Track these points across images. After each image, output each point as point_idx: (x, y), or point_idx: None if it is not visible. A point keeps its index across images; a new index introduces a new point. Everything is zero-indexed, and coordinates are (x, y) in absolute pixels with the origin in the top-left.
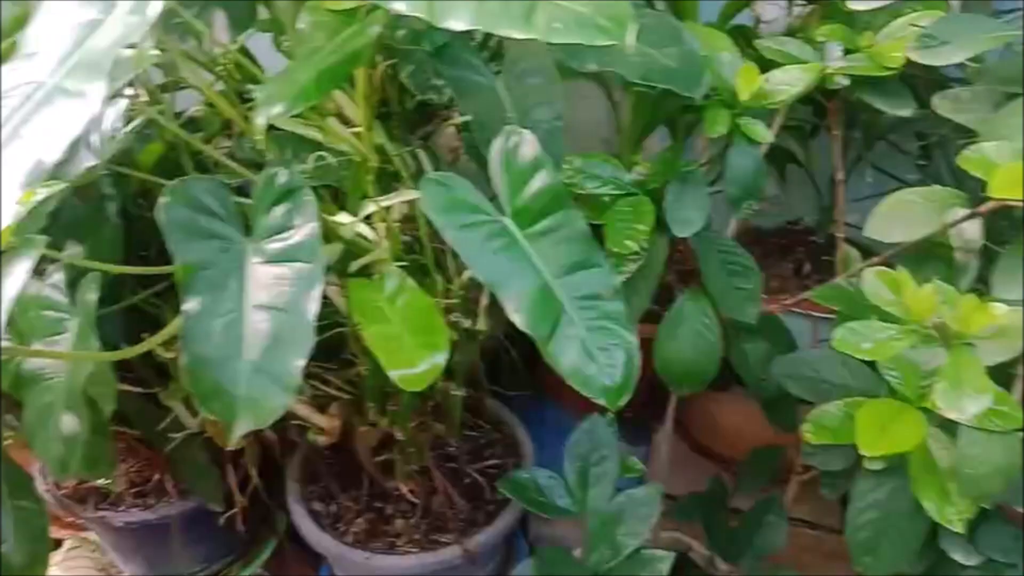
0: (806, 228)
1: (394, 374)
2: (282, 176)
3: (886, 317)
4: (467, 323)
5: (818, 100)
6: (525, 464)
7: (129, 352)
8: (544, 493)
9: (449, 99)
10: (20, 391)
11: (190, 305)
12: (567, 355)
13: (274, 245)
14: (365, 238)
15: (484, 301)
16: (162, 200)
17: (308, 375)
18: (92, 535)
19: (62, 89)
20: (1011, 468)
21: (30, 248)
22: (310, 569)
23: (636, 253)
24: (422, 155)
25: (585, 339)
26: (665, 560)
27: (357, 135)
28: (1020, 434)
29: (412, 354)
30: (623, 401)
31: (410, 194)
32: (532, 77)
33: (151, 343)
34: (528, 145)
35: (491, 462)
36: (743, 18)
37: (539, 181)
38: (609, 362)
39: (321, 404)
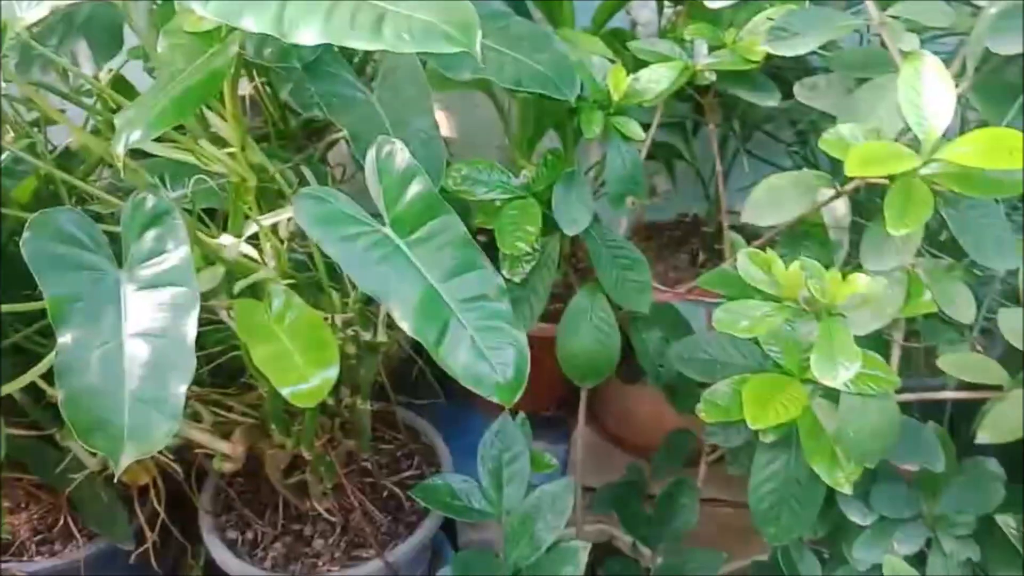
0: (698, 220)
1: (286, 391)
2: (150, 201)
3: (765, 297)
4: (367, 335)
5: (695, 96)
6: (444, 472)
7: (9, 386)
8: (459, 497)
9: None
10: None
11: (65, 339)
12: (458, 356)
13: (147, 271)
14: (251, 258)
15: (383, 312)
16: (25, 234)
17: (208, 401)
18: None
19: None
20: (889, 429)
21: None
22: None
23: (528, 254)
24: (307, 172)
25: (475, 339)
26: (582, 551)
27: (231, 155)
28: (894, 397)
29: (303, 371)
30: (517, 397)
31: (290, 212)
32: (407, 88)
33: (29, 376)
34: (400, 154)
35: (409, 473)
36: (620, 22)
37: (415, 188)
38: (500, 360)
39: (225, 431)
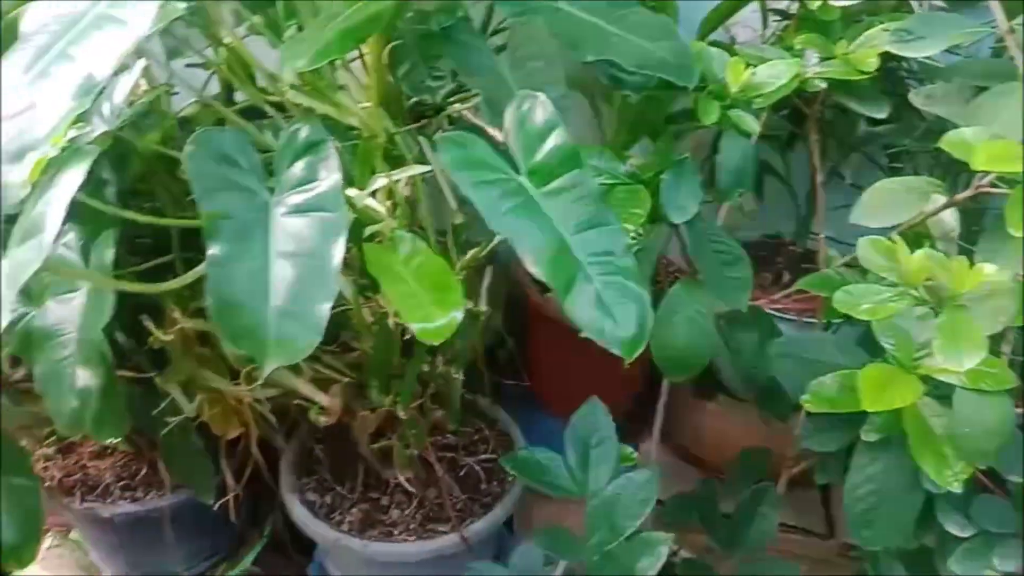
0: (783, 240)
1: (414, 327)
2: (304, 131)
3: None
4: (469, 304)
5: (794, 109)
6: None
7: (156, 287)
8: (547, 471)
9: (444, 97)
10: (30, 351)
11: (214, 251)
12: (584, 308)
13: (298, 197)
14: (374, 210)
15: (486, 281)
16: (187, 149)
17: (309, 356)
18: (74, 534)
19: (107, 16)
20: (1003, 428)
21: (81, 157)
22: (298, 568)
23: (633, 239)
24: (422, 140)
25: (601, 293)
26: (664, 542)
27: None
28: (1009, 395)
29: (430, 310)
30: (638, 352)
31: (418, 169)
32: (533, 61)
33: (178, 282)
34: (542, 107)
35: (485, 456)
36: (718, 37)
37: (553, 141)
38: (624, 315)
39: (322, 386)
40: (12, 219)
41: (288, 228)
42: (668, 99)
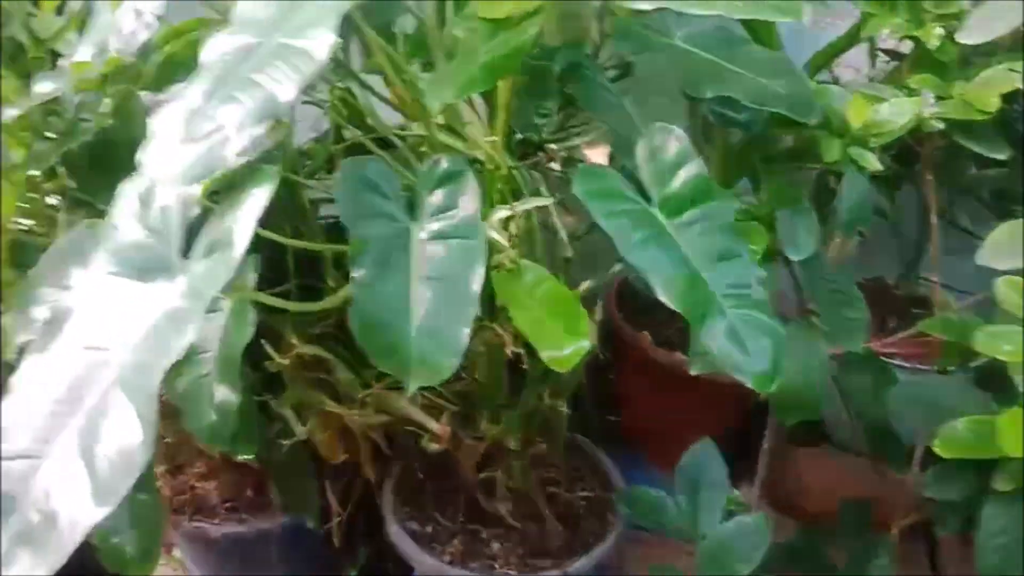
0: (886, 284)
1: (544, 355)
2: (444, 162)
3: None
4: None
5: (903, 149)
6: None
7: (311, 306)
8: (658, 511)
9: (549, 135)
10: (175, 366)
11: (359, 273)
12: (718, 341)
13: (438, 224)
14: (496, 241)
15: (597, 315)
16: (337, 176)
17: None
18: (176, 552)
19: (288, 46)
20: None
21: (266, 178)
22: None
23: None
24: (536, 175)
25: (735, 326)
26: None
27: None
28: None
29: (560, 338)
30: (774, 387)
31: (538, 201)
32: (655, 97)
33: (329, 303)
34: (675, 139)
35: (584, 493)
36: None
37: (686, 173)
38: (758, 349)
39: (431, 414)
40: (194, 231)
41: (429, 253)
42: (773, 139)
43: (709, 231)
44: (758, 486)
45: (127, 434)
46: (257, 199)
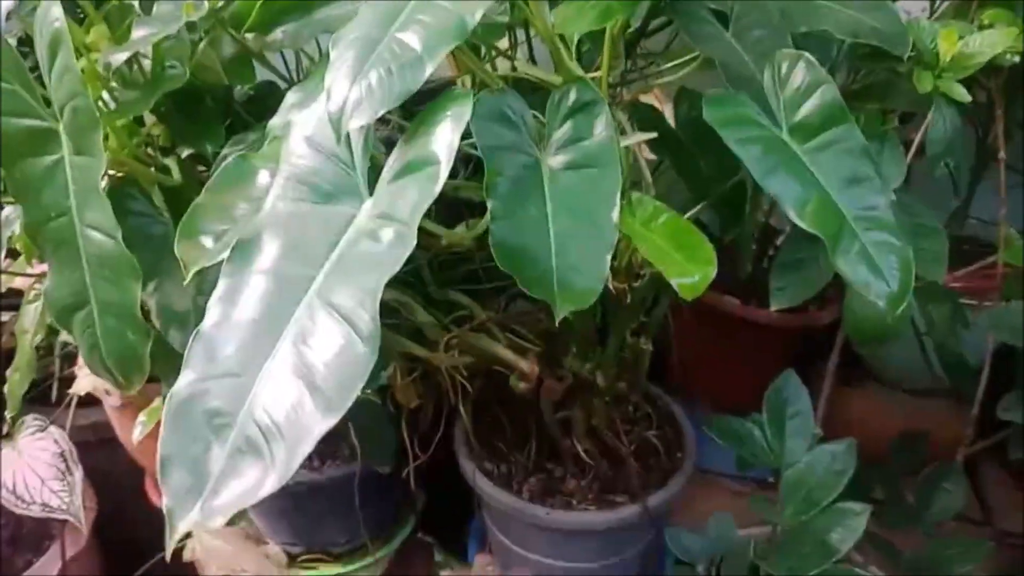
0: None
1: (673, 282)
2: (574, 93)
3: None
4: None
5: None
6: (687, 438)
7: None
8: (745, 440)
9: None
10: None
11: (494, 204)
12: (849, 262)
13: (568, 155)
14: None
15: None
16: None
17: (504, 327)
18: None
19: None
20: None
21: (463, 99)
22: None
23: None
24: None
25: (866, 247)
26: (863, 512)
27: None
28: None
29: (684, 266)
30: (902, 307)
31: (642, 136)
32: (756, 30)
33: (470, 233)
34: (805, 65)
35: (654, 432)
36: None
37: (817, 98)
38: (889, 270)
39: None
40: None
41: (562, 184)
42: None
43: (839, 155)
44: (820, 420)
45: (343, 345)
46: (459, 116)
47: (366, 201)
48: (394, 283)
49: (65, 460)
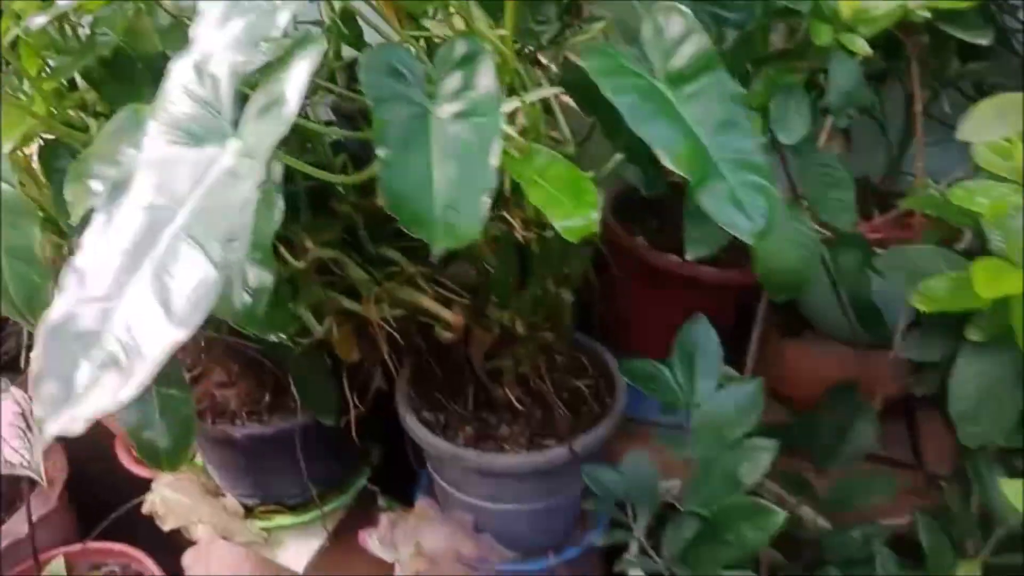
0: (871, 181)
1: (558, 224)
2: (460, 45)
3: None
4: None
5: (890, 43)
6: (618, 386)
7: (333, 177)
8: (656, 381)
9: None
10: None
11: (383, 153)
12: (715, 203)
13: (456, 105)
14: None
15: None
16: (363, 61)
17: (429, 279)
18: (198, 459)
19: None
20: None
21: (315, 42)
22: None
23: None
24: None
25: (734, 189)
26: (769, 449)
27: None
28: None
29: (570, 209)
30: (767, 240)
31: (548, 91)
32: None
33: (352, 179)
34: (679, 16)
35: (584, 381)
36: None
37: (690, 47)
38: (754, 210)
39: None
40: (244, 98)
41: (447, 132)
42: (762, 39)
43: (712, 101)
44: (750, 370)
45: (197, 272)
46: (307, 60)
47: (230, 141)
48: (332, 243)
49: (26, 419)
